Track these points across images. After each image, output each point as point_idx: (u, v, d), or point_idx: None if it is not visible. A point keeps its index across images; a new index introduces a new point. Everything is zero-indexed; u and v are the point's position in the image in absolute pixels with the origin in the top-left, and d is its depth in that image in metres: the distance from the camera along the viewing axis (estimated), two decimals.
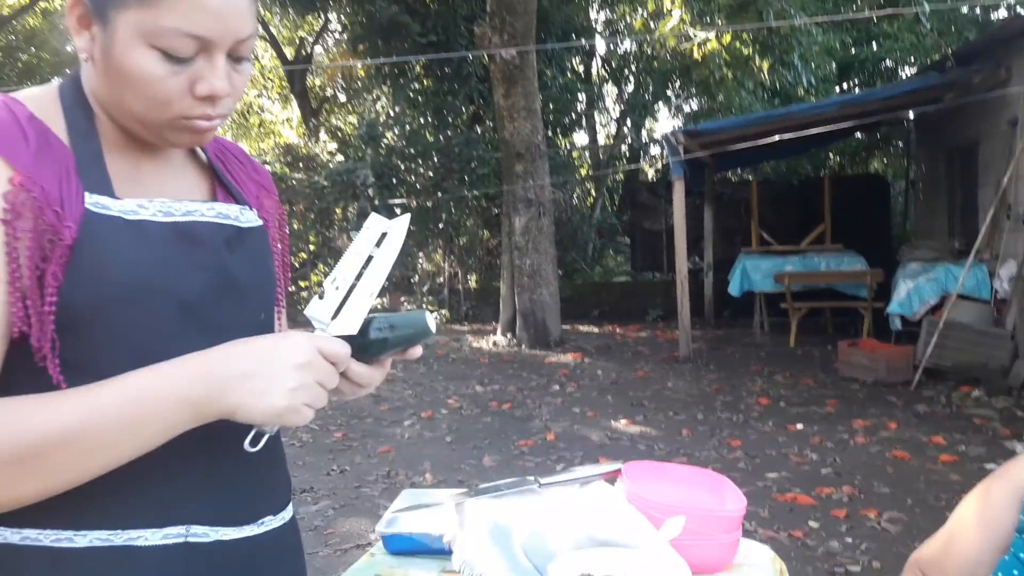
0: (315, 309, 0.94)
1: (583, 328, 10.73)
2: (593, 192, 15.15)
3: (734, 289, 9.49)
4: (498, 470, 4.78)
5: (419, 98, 12.16)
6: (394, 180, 11.31)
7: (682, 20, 8.93)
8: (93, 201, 0.87)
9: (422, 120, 12.40)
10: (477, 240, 12.20)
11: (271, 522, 1.01)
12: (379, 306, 12.59)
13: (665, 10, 10.01)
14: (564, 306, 9.51)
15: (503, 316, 9.60)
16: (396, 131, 12.48)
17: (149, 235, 0.90)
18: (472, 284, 12.82)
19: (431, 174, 11.59)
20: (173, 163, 1.00)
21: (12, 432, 0.79)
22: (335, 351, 0.89)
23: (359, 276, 0.95)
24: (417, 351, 0.99)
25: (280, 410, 0.85)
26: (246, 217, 1.02)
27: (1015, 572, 0.85)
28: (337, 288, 0.94)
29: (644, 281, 12.72)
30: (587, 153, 16.24)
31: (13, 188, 0.83)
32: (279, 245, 1.12)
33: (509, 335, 9.34)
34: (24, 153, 0.85)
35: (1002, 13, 11.84)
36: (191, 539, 0.91)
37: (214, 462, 0.93)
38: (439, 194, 11.02)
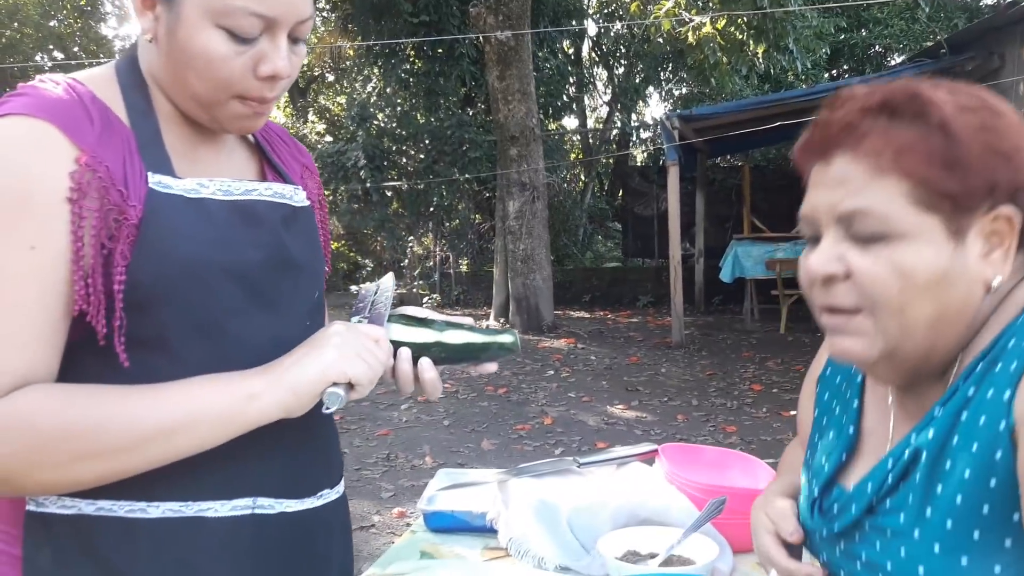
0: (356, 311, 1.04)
1: (574, 314, 10.75)
2: (583, 176, 15.13)
3: (726, 275, 9.52)
4: (497, 454, 4.79)
5: (410, 79, 12.05)
6: (385, 162, 11.22)
7: (677, 4, 8.90)
8: (156, 180, 0.88)
9: (413, 101, 12.30)
10: (468, 224, 12.15)
11: (328, 495, 1.04)
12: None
13: None
14: (556, 291, 9.52)
15: (496, 301, 9.59)
16: (387, 112, 12.39)
17: (210, 213, 0.91)
18: (463, 268, 12.79)
19: (422, 156, 11.52)
20: (225, 143, 1.02)
21: (80, 419, 0.81)
22: (370, 329, 0.95)
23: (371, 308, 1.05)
24: (493, 367, 1.07)
25: (332, 358, 0.89)
26: (299, 197, 1.04)
27: (817, 447, 0.98)
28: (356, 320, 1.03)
29: (635, 267, 12.75)
30: (577, 137, 16.20)
31: (79, 168, 0.83)
32: (321, 225, 1.14)
33: (502, 320, 9.33)
34: (89, 133, 0.85)
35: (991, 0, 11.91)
36: (257, 511, 0.94)
37: (280, 436, 0.94)
38: (431, 177, 10.95)
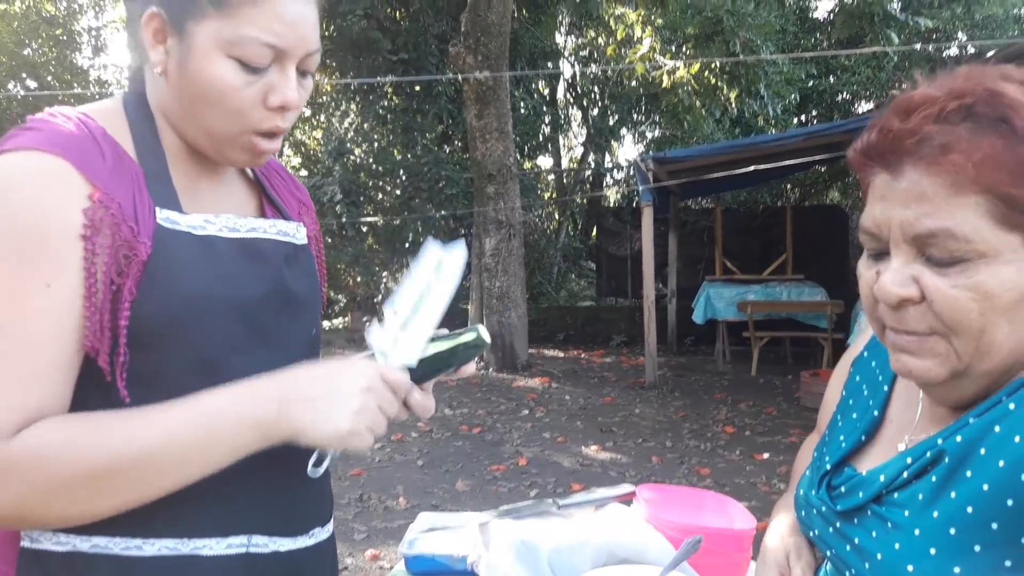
0: (376, 337, 0.94)
1: (548, 352, 10.75)
2: (557, 215, 15.24)
3: (698, 316, 9.61)
4: (471, 495, 4.74)
5: (388, 115, 12.12)
6: (361, 197, 11.22)
7: (652, 48, 9.08)
8: (164, 216, 0.89)
9: (391, 137, 12.35)
10: None
11: (319, 534, 1.04)
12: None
13: (635, 38, 10.17)
14: (530, 329, 9.52)
15: None
16: (364, 148, 12.42)
17: (216, 250, 0.92)
18: None
19: (399, 192, 11.54)
20: (225, 178, 1.03)
21: (92, 451, 0.81)
22: (396, 380, 0.91)
23: (418, 305, 0.95)
24: (471, 367, 1.01)
25: (344, 433, 0.86)
26: (300, 235, 1.05)
27: (839, 424, 0.97)
28: (396, 314, 0.95)
29: (608, 306, 12.80)
30: (552, 176, 16.34)
31: (92, 204, 0.84)
32: (317, 261, 1.15)
33: (478, 360, 9.30)
34: (101, 169, 0.86)
35: (953, 51, 12.29)
36: (252, 549, 0.94)
37: (275, 474, 0.95)
38: (406, 212, 10.96)
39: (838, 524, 0.86)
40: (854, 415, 0.95)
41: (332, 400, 0.87)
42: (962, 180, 0.70)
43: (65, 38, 15.14)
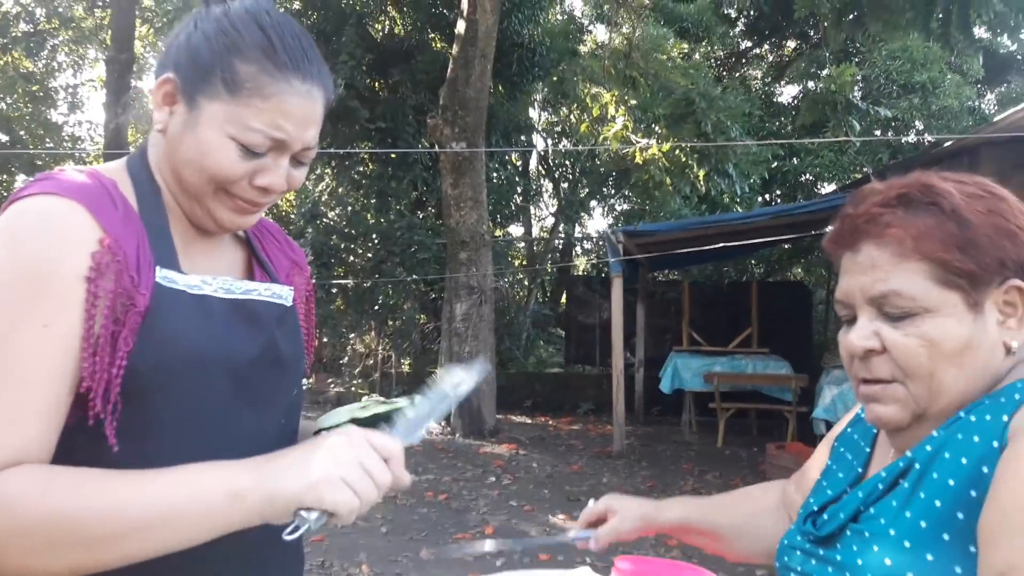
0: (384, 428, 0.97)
1: (516, 418, 10.70)
2: (528, 283, 15.37)
3: (665, 386, 9.67)
4: (436, 564, 4.67)
5: (363, 180, 12.25)
6: (332, 260, 11.25)
7: (625, 126, 9.37)
8: (163, 275, 0.92)
9: (364, 202, 12.47)
10: (413, 324, 12.15)
11: None
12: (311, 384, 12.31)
13: (609, 116, 10.48)
14: (498, 395, 9.50)
15: None
16: (337, 211, 12.50)
17: (212, 310, 0.95)
18: (405, 368, 12.69)
19: (370, 256, 11.59)
20: (218, 238, 1.06)
21: (61, 503, 0.80)
22: (385, 444, 0.90)
23: (424, 403, 1.01)
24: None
25: (313, 480, 0.83)
26: (289, 296, 1.08)
27: (823, 483, 1.08)
28: (409, 410, 0.99)
29: (576, 373, 12.83)
30: (523, 244, 16.54)
31: (101, 248, 0.87)
32: (305, 322, 1.18)
33: (443, 422, 9.24)
34: (113, 217, 0.90)
35: (911, 138, 12.83)
36: None
37: (249, 548, 0.95)
38: (377, 276, 11.00)
39: (820, 552, 0.94)
40: (840, 474, 1.05)
41: (305, 456, 0.86)
42: (904, 249, 0.87)
43: (41, 94, 15.18)
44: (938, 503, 0.82)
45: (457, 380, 1.02)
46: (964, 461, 0.81)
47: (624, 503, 1.32)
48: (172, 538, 0.83)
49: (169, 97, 0.95)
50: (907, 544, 0.82)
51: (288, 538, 0.84)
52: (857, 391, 0.93)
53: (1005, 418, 0.80)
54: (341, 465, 0.85)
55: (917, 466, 0.86)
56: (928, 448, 0.86)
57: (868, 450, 1.04)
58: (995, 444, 0.79)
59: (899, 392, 0.88)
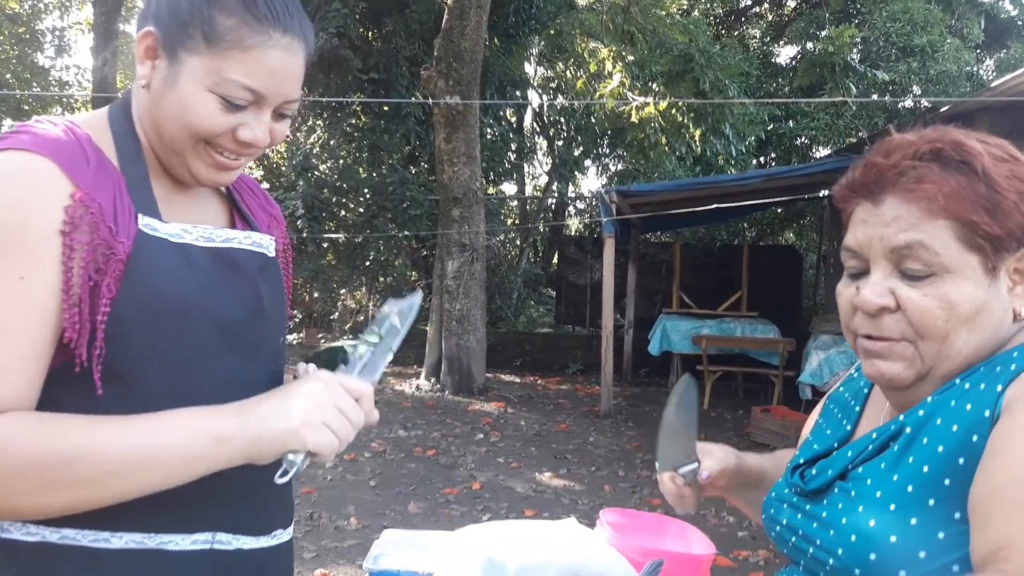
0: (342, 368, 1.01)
1: (505, 377, 10.75)
2: (520, 242, 15.32)
3: (654, 348, 9.72)
4: (424, 517, 4.72)
5: (355, 133, 12.11)
6: (324, 214, 11.17)
7: (622, 83, 9.26)
8: (144, 223, 0.93)
9: (356, 155, 12.33)
10: (404, 280, 12.13)
11: (281, 535, 1.08)
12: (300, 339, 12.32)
13: (606, 72, 10.36)
14: (487, 354, 9.52)
15: (428, 360, 9.53)
16: (329, 164, 12.37)
17: (192, 258, 0.97)
18: None
19: (362, 210, 11.50)
20: (199, 191, 1.07)
21: (50, 444, 0.83)
22: (355, 385, 0.96)
23: (379, 341, 1.05)
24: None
25: (296, 425, 0.89)
26: (271, 247, 1.11)
27: (810, 438, 1.08)
28: (359, 350, 1.03)
29: (566, 334, 12.87)
30: (516, 203, 16.45)
31: (73, 203, 0.88)
32: (285, 273, 1.20)
33: (433, 379, 9.26)
34: (85, 171, 0.90)
35: (908, 103, 12.74)
36: (216, 546, 0.97)
37: (241, 473, 0.96)
38: (369, 231, 10.93)
39: (807, 507, 0.95)
40: (828, 431, 1.06)
41: (285, 400, 0.91)
42: (934, 207, 0.84)
43: (28, 36, 14.88)
44: (926, 468, 0.81)
45: (397, 312, 1.07)
46: (955, 428, 0.81)
47: (712, 447, 1.23)
48: (159, 478, 0.87)
49: (151, 51, 0.95)
50: (892, 507, 0.82)
51: (280, 481, 0.92)
52: (856, 346, 0.91)
53: (999, 388, 0.79)
54: (321, 408, 0.91)
55: (908, 430, 0.86)
56: (921, 413, 0.86)
57: (858, 409, 1.03)
58: (987, 413, 0.79)
59: (907, 351, 0.87)
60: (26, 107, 13.37)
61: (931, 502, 0.80)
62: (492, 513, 4.89)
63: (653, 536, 1.62)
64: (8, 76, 14.35)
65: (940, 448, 0.81)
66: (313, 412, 0.90)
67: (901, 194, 0.86)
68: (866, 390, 1.04)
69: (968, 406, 0.81)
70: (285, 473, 0.92)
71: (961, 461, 0.79)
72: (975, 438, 0.79)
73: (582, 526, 1.61)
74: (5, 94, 13.17)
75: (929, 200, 0.84)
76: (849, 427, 1.02)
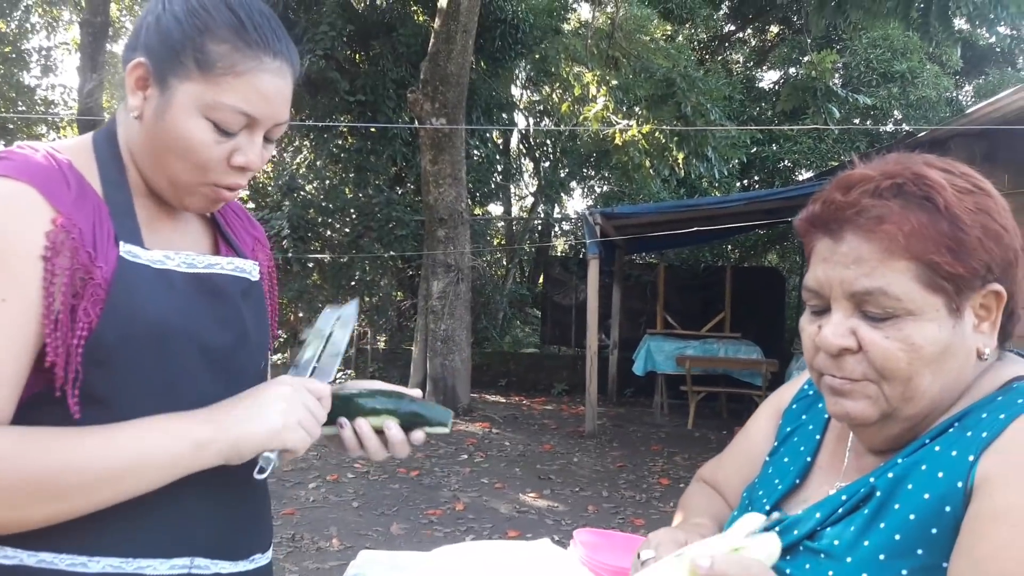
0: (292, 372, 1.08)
1: (490, 397, 10.75)
2: (506, 262, 15.36)
3: (639, 368, 9.76)
4: (406, 538, 4.71)
5: (341, 154, 12.13)
6: (309, 234, 11.16)
7: (606, 107, 9.36)
8: (126, 250, 0.95)
9: (343, 176, 12.35)
10: (390, 301, 12.12)
11: (259, 559, 1.08)
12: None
13: (590, 96, 10.46)
14: (472, 374, 9.52)
15: (413, 380, 9.51)
16: (315, 184, 12.38)
17: (174, 284, 0.98)
18: (381, 345, 12.67)
19: (348, 230, 11.51)
20: (184, 216, 1.09)
21: (30, 456, 0.84)
22: (317, 387, 1.01)
23: (325, 346, 1.10)
24: (418, 436, 1.14)
25: (279, 427, 0.94)
26: (254, 272, 1.12)
27: (770, 470, 1.04)
28: (311, 351, 1.09)
29: (551, 354, 12.88)
30: (502, 223, 16.51)
31: (55, 228, 0.90)
32: (269, 297, 1.21)
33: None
34: (66, 197, 0.92)
35: (889, 128, 12.93)
36: (194, 571, 0.98)
37: (219, 497, 0.99)
38: (354, 251, 10.94)
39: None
40: (785, 459, 1.03)
41: (260, 404, 0.95)
42: (894, 247, 0.81)
43: (14, 56, 14.86)
44: (898, 537, 0.79)
45: (337, 319, 1.12)
46: (927, 496, 0.79)
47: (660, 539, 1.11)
48: (140, 485, 0.89)
49: (141, 81, 0.97)
50: (864, 575, 0.80)
51: (259, 477, 0.96)
52: (820, 382, 0.89)
53: (971, 458, 0.78)
54: (294, 410, 0.96)
55: (878, 493, 0.83)
56: (890, 475, 0.84)
57: (818, 437, 1.01)
58: (959, 484, 0.77)
59: (870, 389, 0.84)
60: (11, 126, 13.32)
61: (904, 572, 0.78)
62: (475, 534, 4.89)
63: (626, 555, 1.63)
64: None
65: (912, 516, 0.79)
66: (290, 414, 0.95)
67: (861, 233, 0.83)
68: (826, 415, 1.01)
69: (940, 473, 0.79)
70: (262, 471, 0.95)
71: (934, 531, 0.78)
72: (948, 508, 0.77)
73: (555, 546, 1.63)
74: None
75: (890, 240, 0.81)
76: (809, 459, 0.99)
